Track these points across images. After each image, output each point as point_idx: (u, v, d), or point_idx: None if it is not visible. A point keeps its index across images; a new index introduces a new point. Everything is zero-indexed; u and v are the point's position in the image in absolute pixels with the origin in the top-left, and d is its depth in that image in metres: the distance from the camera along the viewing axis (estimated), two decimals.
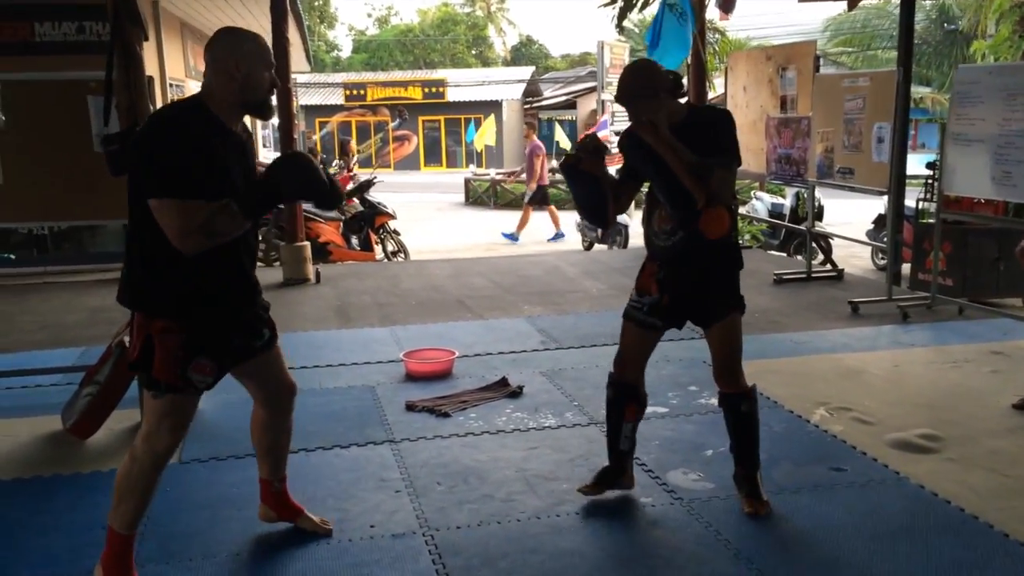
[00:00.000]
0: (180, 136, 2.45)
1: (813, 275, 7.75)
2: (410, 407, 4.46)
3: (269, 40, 7.56)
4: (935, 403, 4.47)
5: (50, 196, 4.52)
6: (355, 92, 32.60)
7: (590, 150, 3.07)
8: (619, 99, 3.11)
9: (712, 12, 9.47)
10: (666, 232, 3.12)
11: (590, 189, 3.09)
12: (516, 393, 4.63)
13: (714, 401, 4.48)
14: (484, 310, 6.77)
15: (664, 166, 2.94)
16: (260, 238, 9.65)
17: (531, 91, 35.33)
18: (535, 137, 14.25)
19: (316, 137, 26.59)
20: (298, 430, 4.10)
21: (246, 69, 2.51)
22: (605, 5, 9.94)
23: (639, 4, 8.92)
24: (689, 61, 8.67)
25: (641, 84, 3.03)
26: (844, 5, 9.65)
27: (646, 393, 3.41)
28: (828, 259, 8.22)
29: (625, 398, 3.35)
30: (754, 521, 3.16)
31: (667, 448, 3.90)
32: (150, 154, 2.45)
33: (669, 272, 3.16)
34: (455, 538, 3.10)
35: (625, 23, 11.26)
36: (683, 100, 3.15)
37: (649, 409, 4.36)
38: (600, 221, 3.25)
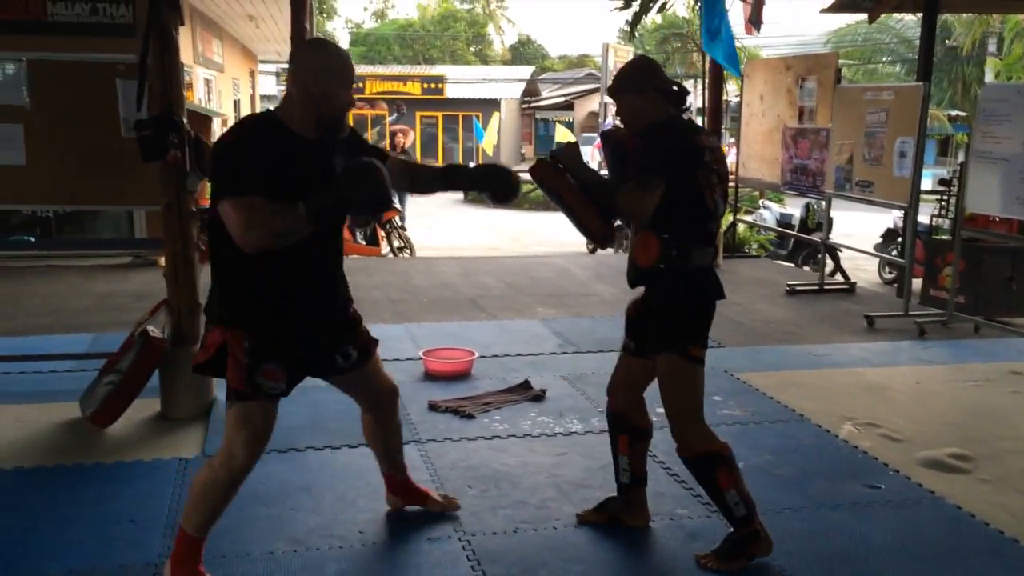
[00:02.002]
0: (245, 142, 2.48)
1: (825, 287, 7.73)
2: (433, 407, 4.40)
3: (287, 31, 7.48)
4: (961, 422, 4.45)
5: (73, 180, 4.42)
6: (354, 85, 32.39)
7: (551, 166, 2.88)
8: (610, 91, 2.98)
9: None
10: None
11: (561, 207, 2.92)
12: (539, 397, 4.58)
13: (739, 412, 4.47)
14: (497, 310, 6.71)
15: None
16: None
17: (529, 91, 35.27)
18: None
19: None
20: (322, 427, 4.09)
21: (325, 87, 2.50)
22: (620, 9, 9.89)
23: (656, 7, 8.88)
24: (706, 68, 8.64)
25: (633, 78, 2.89)
26: (851, 17, 9.64)
27: (648, 423, 3.12)
28: (840, 271, 8.20)
29: (613, 428, 3.12)
30: (795, 539, 3.11)
31: None
32: (216, 162, 2.51)
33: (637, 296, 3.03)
34: (492, 544, 3.04)
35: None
36: (684, 115, 2.94)
37: None
38: (589, 238, 3.13)
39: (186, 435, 3.99)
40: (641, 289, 2.97)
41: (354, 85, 2.61)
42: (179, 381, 4.17)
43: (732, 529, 2.94)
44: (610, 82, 3.03)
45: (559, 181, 2.84)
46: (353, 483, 3.51)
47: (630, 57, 18.24)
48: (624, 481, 3.15)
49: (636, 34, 12.77)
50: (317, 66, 2.51)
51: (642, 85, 2.86)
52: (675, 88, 2.89)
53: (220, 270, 2.58)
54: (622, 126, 2.98)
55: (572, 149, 2.92)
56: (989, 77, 20.76)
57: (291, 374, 2.63)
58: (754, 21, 7.87)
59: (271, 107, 2.70)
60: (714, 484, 2.87)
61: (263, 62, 22.82)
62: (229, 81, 15.88)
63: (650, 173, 2.72)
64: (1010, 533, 3.22)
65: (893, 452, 3.96)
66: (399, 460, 3.18)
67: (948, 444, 4.05)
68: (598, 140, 16.89)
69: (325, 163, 2.58)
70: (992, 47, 23.21)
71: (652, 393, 2.97)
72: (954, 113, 25.97)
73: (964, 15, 19.14)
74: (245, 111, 18.59)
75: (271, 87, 29.18)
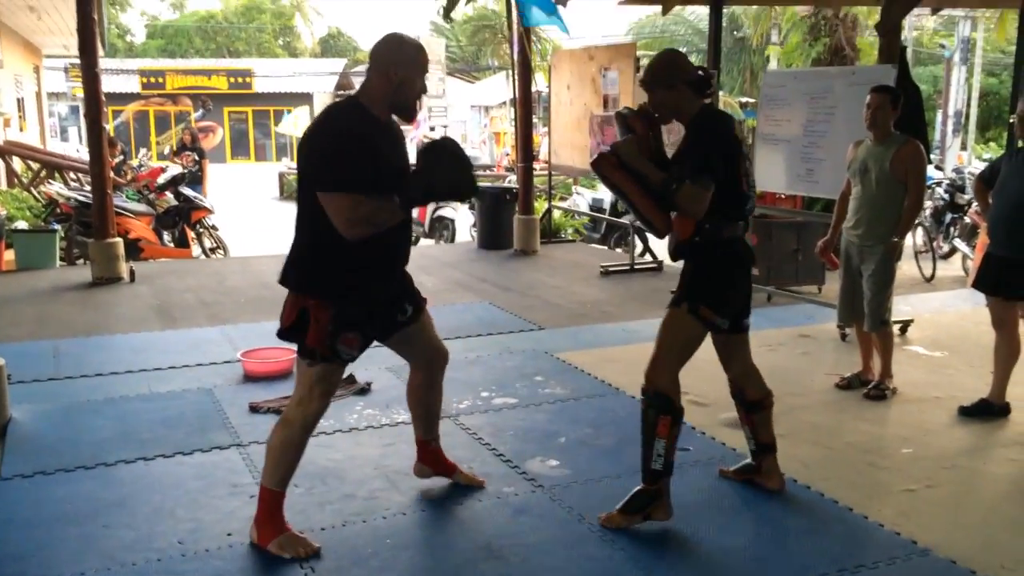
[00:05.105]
0: (345, 134, 2.70)
1: (636, 267, 8.13)
2: (254, 408, 4.29)
3: (73, 23, 7.01)
4: None
5: None
6: (153, 80, 30.71)
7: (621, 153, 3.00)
8: (643, 84, 3.12)
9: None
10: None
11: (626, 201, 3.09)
12: (364, 390, 4.57)
13: (560, 390, 4.64)
14: None
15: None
16: (65, 236, 8.94)
17: (342, 84, 34.68)
18: None
19: (110, 126, 24.76)
20: (133, 438, 3.92)
21: (403, 74, 2.77)
22: None
23: None
24: (515, 59, 8.84)
25: (662, 73, 3.05)
26: (649, 9, 10.13)
27: (760, 393, 3.47)
28: (648, 251, 8.65)
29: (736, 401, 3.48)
30: (616, 503, 3.27)
31: (521, 438, 3.97)
32: (319, 152, 2.72)
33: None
34: (321, 540, 3.01)
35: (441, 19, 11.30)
36: (706, 99, 3.13)
37: (499, 400, 4.48)
38: (652, 232, 3.20)
39: None
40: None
41: (426, 74, 2.85)
42: None
43: (641, 485, 3.12)
44: (641, 75, 3.17)
45: (622, 177, 2.98)
46: (170, 493, 3.37)
47: (442, 48, 18.37)
48: (752, 448, 3.45)
49: (451, 21, 12.86)
50: (397, 57, 2.78)
51: (672, 81, 3.03)
52: (700, 74, 3.06)
53: (311, 245, 2.80)
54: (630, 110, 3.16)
55: (630, 145, 3.00)
56: (773, 65, 22.40)
57: (364, 342, 2.90)
58: None
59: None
60: (653, 427, 3.07)
61: (49, 57, 21.16)
62: (10, 78, 14.65)
63: (703, 172, 2.91)
64: (802, 481, 3.54)
65: (699, 416, 4.25)
66: (435, 425, 3.37)
67: None
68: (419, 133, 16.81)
69: (401, 145, 2.94)
70: (775, 37, 25.06)
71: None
72: (744, 100, 27.85)
73: (752, 8, 20.55)
74: (31, 109, 17.21)
75: (60, 83, 27.01)
